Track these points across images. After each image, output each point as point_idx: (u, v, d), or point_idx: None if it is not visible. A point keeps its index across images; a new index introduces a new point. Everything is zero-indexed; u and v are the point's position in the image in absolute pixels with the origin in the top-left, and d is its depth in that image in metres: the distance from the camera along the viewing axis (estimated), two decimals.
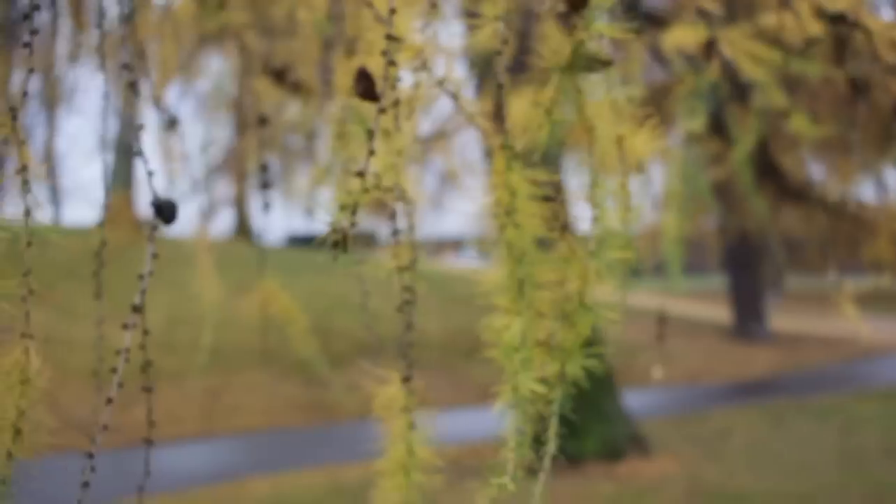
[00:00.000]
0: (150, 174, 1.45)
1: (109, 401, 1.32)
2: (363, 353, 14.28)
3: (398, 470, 1.55)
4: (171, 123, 3.26)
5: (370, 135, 1.31)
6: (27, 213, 1.33)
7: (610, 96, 1.51)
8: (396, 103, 1.54)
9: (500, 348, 1.41)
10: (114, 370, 1.34)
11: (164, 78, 3.08)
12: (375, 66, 1.37)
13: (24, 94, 1.48)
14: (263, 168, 3.32)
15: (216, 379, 11.78)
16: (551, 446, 1.45)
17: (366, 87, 1.39)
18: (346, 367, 14.44)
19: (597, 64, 1.45)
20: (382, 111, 1.35)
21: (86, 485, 1.33)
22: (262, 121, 3.26)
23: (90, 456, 1.31)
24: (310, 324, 3.32)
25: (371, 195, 1.31)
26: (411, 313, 1.67)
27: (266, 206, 3.27)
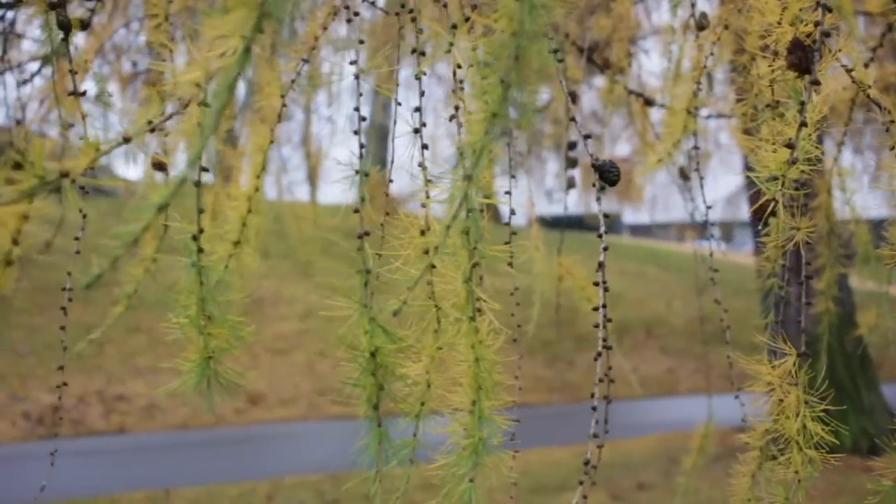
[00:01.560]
0: (586, 137, 1.44)
1: (599, 354, 1.35)
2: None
3: (792, 444, 1.52)
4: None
5: (801, 106, 1.30)
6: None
7: None
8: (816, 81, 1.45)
9: None
10: (596, 326, 1.37)
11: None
12: (805, 37, 1.34)
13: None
14: (571, 146, 3.34)
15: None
16: None
17: (799, 57, 1.35)
18: (590, 348, 14.43)
19: None
20: (816, 83, 1.32)
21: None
22: (573, 97, 3.28)
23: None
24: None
25: (797, 168, 1.30)
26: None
27: (570, 184, 3.30)
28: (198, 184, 1.41)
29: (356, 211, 1.45)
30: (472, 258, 1.29)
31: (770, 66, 1.42)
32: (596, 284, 1.37)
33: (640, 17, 5.51)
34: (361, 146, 1.46)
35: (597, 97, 9.95)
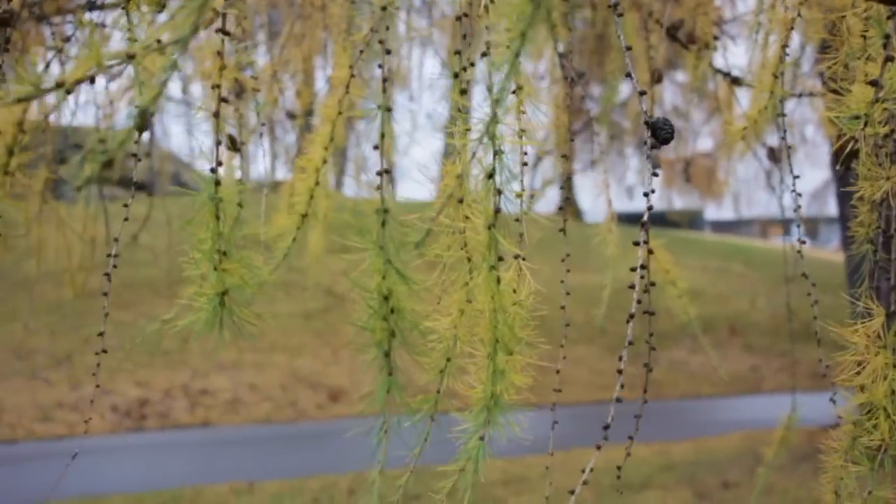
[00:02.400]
0: (641, 94, 1.35)
1: None
2: (686, 332, 14.01)
3: (880, 412, 1.44)
4: (580, 75, 3.26)
5: (887, 40, 1.24)
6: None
7: None
8: None
9: None
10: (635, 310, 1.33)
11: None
12: None
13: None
14: (659, 121, 3.27)
15: (546, 352, 11.96)
16: None
17: None
18: (670, 347, 14.26)
19: None
20: None
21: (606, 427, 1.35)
22: (658, 77, 3.20)
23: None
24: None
25: (882, 107, 1.23)
26: None
27: (655, 163, 3.25)
28: (217, 115, 1.33)
29: (376, 147, 1.37)
30: (496, 203, 1.21)
31: (861, 12, 1.33)
32: (636, 244, 1.28)
33: (722, 5, 5.41)
34: (384, 80, 1.40)
35: (679, 91, 9.81)
